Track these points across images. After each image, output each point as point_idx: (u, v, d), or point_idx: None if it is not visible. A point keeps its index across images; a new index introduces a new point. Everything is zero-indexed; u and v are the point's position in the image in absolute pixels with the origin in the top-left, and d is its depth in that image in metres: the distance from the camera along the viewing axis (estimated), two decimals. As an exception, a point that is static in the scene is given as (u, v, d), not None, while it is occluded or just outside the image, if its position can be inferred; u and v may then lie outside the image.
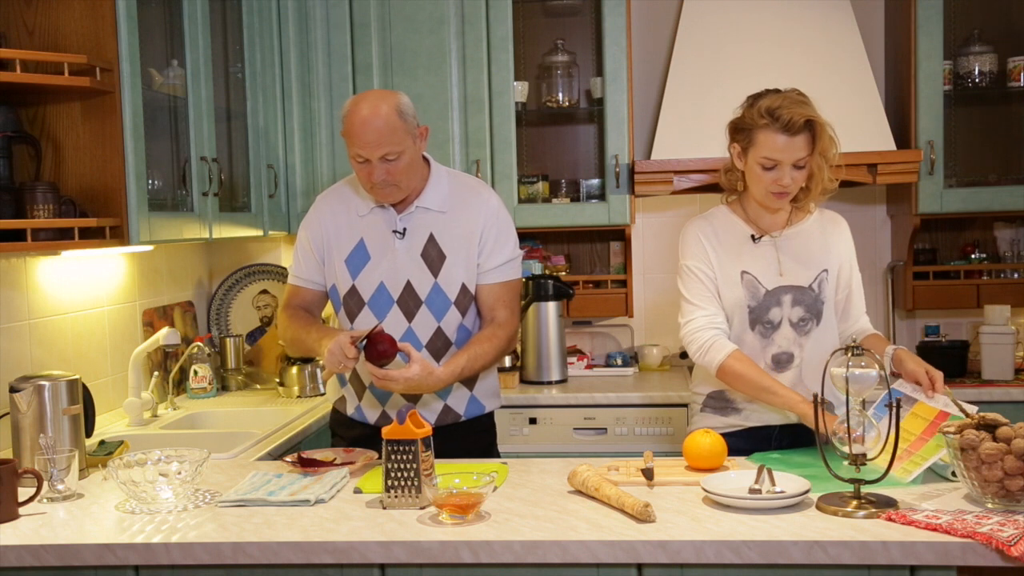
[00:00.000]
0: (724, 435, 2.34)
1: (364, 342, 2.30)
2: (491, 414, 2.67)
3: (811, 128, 2.33)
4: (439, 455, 2.16)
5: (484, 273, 2.51)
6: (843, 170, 2.44)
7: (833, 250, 2.50)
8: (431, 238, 2.49)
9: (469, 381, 2.56)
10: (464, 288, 2.50)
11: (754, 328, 2.46)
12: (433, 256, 2.48)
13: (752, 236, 2.48)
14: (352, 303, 2.52)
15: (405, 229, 2.49)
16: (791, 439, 2.45)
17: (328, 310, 2.69)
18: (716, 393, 2.54)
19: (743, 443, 2.44)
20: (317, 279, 2.59)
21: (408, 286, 2.48)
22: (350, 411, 2.59)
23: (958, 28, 3.75)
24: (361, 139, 2.35)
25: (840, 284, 2.51)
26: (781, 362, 2.45)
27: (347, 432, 2.61)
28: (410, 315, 2.48)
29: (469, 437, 2.59)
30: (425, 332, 2.49)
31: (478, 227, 2.50)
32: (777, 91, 2.40)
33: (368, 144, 2.34)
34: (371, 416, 2.56)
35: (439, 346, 2.49)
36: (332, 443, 2.69)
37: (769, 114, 2.34)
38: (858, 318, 2.56)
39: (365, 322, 2.49)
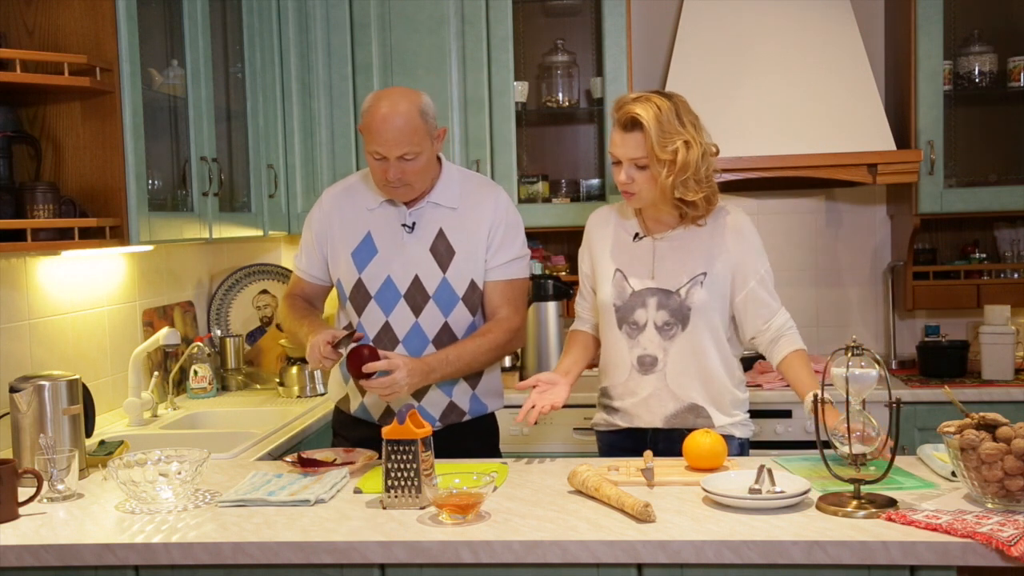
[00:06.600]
0: (606, 433, 2.40)
1: (348, 348, 2.29)
2: (493, 415, 2.67)
3: (642, 128, 2.26)
4: (443, 456, 2.16)
5: (490, 270, 2.51)
6: (710, 183, 2.30)
7: (720, 253, 2.37)
8: (440, 233, 2.49)
9: (472, 379, 2.55)
10: (473, 284, 2.49)
11: (621, 328, 2.43)
12: (442, 251, 2.48)
13: (636, 234, 2.45)
14: (358, 297, 2.51)
15: (415, 223, 2.49)
16: (667, 442, 2.39)
17: (329, 306, 2.68)
18: (603, 389, 2.53)
19: (623, 442, 2.45)
20: (317, 274, 2.60)
21: (416, 280, 2.47)
22: (354, 408, 2.58)
23: (958, 28, 3.75)
24: (381, 137, 2.34)
25: (736, 285, 2.39)
26: (645, 364, 2.41)
27: (351, 432, 2.59)
28: (417, 310, 2.48)
29: (470, 437, 2.57)
30: (432, 327, 2.48)
31: (487, 223, 2.49)
32: (663, 93, 2.34)
33: (387, 142, 2.34)
34: (375, 412, 2.54)
35: (445, 342, 2.47)
36: (334, 443, 2.68)
37: (615, 108, 2.33)
38: (768, 319, 2.38)
39: (372, 316, 2.48)
